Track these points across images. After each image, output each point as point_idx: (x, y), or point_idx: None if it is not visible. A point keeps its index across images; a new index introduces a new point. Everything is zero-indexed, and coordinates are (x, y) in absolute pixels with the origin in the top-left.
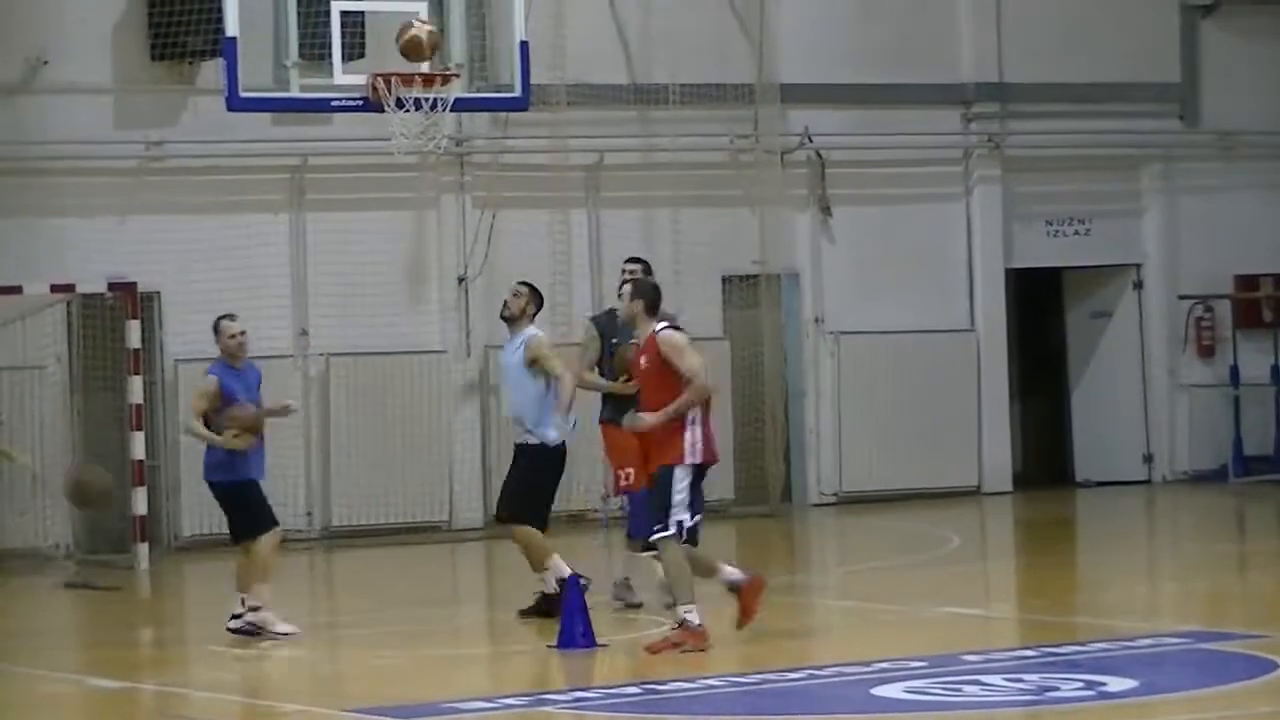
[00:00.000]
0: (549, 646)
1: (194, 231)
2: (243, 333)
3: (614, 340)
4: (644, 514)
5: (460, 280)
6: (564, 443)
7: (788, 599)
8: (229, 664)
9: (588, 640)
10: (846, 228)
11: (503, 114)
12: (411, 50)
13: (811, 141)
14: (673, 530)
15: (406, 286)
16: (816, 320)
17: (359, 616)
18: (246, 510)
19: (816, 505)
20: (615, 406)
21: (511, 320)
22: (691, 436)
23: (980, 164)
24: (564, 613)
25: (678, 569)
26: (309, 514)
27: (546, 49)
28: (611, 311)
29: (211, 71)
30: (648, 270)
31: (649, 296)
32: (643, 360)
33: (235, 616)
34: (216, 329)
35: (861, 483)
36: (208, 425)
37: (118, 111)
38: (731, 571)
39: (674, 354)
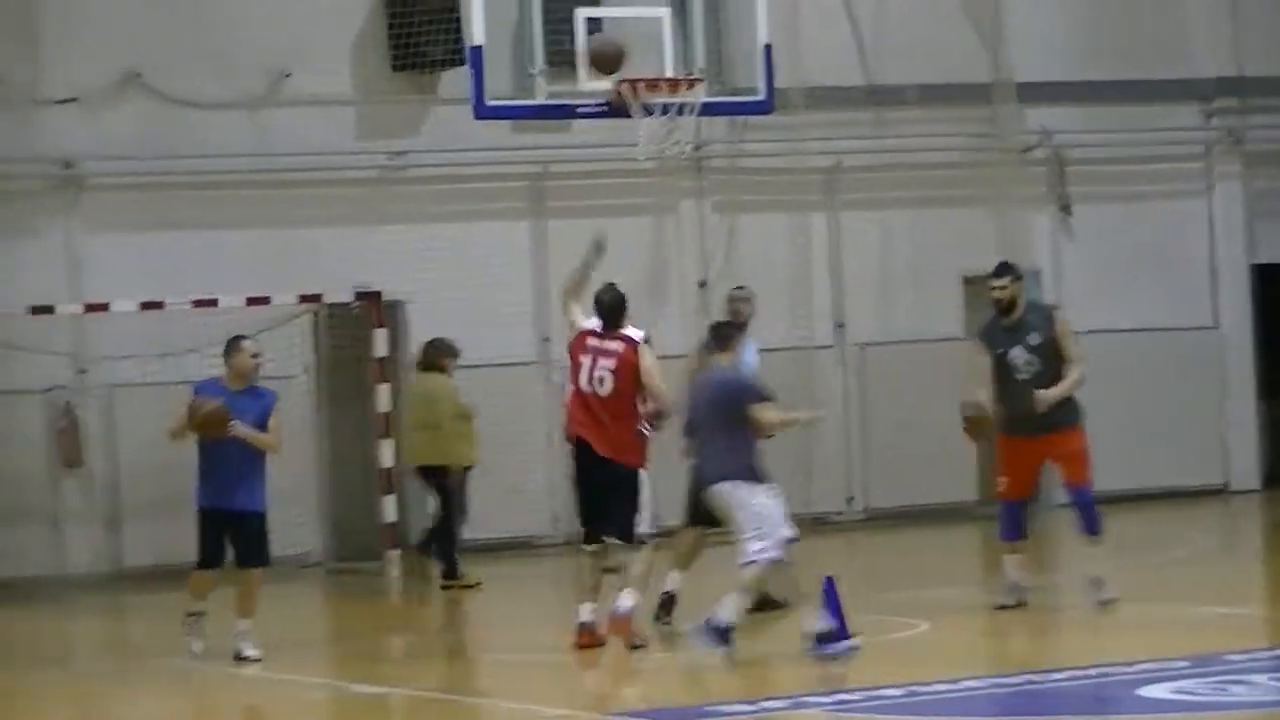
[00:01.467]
0: (807, 647)
1: (437, 240)
2: (259, 355)
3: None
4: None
5: (700, 285)
6: None
7: (1045, 599)
8: (492, 669)
9: (845, 639)
10: (1086, 225)
11: (740, 118)
12: (601, 63)
13: (1050, 140)
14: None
15: (647, 292)
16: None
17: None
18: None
19: (1063, 505)
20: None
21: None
22: None
23: (1221, 159)
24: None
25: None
26: (555, 519)
27: (782, 51)
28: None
29: (452, 81)
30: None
31: None
32: None
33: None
34: (236, 349)
35: (1108, 482)
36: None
37: (359, 122)
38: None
39: None
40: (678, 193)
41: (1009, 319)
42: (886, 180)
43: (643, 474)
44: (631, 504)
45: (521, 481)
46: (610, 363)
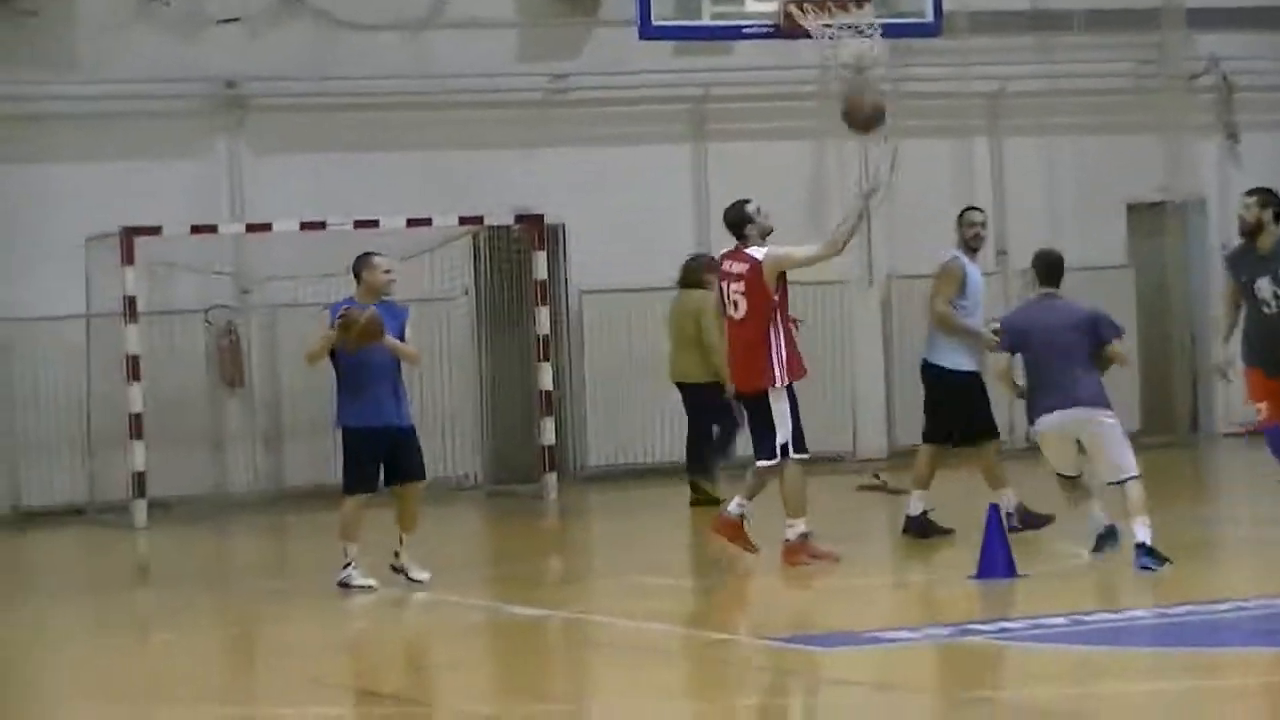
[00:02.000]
0: (969, 577)
1: (597, 163)
2: (391, 270)
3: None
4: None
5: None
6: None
7: (1202, 531)
8: (651, 593)
9: (1009, 570)
10: (1254, 154)
11: (903, 42)
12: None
13: (1218, 66)
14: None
15: (808, 217)
16: (1223, 247)
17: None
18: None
19: (1227, 435)
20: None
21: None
22: None
23: None
24: (985, 542)
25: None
26: None
27: None
28: None
29: (613, 3)
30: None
31: None
32: None
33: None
34: (368, 264)
35: None
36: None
37: (521, 44)
38: None
39: None
40: (839, 116)
41: (1260, 247)
42: (1051, 106)
43: (779, 391)
44: (768, 426)
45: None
46: (740, 285)
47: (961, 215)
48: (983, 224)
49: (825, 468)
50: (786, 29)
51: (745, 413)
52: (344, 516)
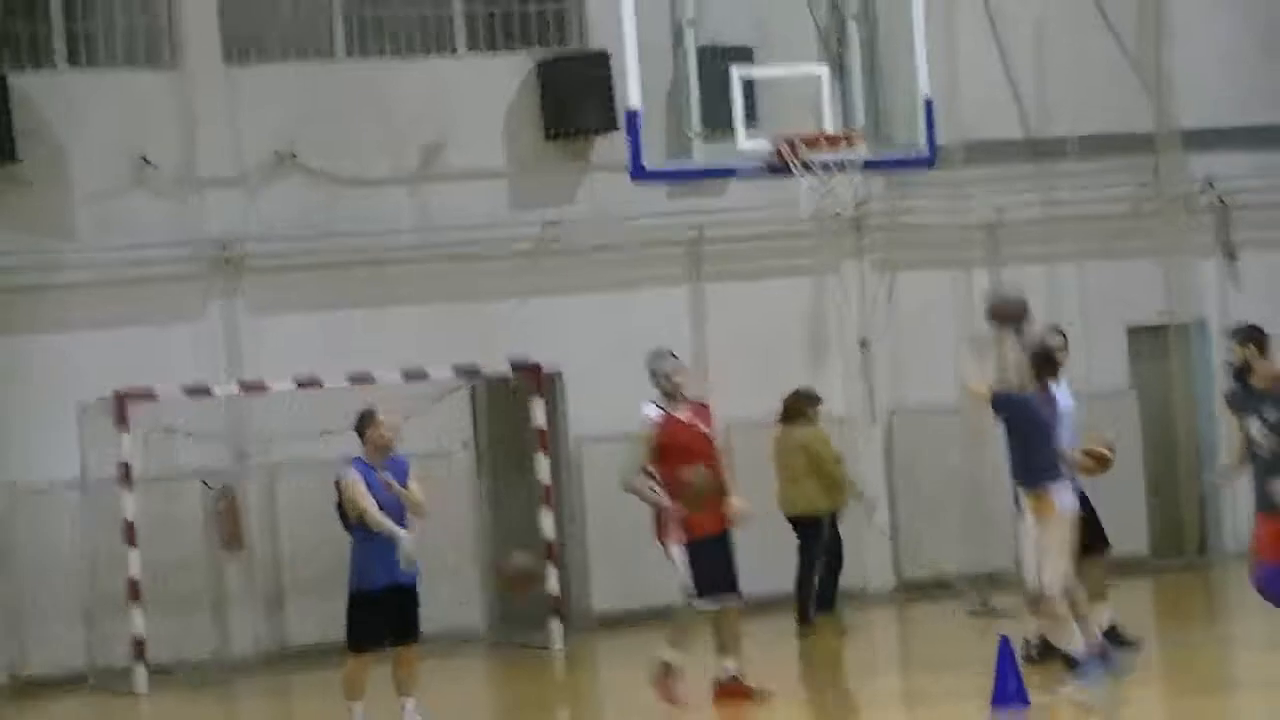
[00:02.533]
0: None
1: (593, 309)
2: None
3: None
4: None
5: (862, 345)
6: None
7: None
8: None
9: (1022, 698)
10: (1255, 274)
11: (898, 175)
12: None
13: (1213, 187)
14: None
15: (808, 353)
16: (1227, 365)
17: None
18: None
19: (1237, 556)
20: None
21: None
22: None
23: None
24: (998, 670)
25: None
26: None
27: (940, 106)
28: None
29: (606, 148)
30: None
31: None
32: None
33: None
34: (372, 421)
35: None
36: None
37: (513, 193)
38: None
39: None
40: (837, 252)
41: (1254, 384)
42: (1050, 234)
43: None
44: None
45: None
46: None
47: None
48: (1062, 347)
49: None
50: (780, 166)
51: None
52: (353, 676)
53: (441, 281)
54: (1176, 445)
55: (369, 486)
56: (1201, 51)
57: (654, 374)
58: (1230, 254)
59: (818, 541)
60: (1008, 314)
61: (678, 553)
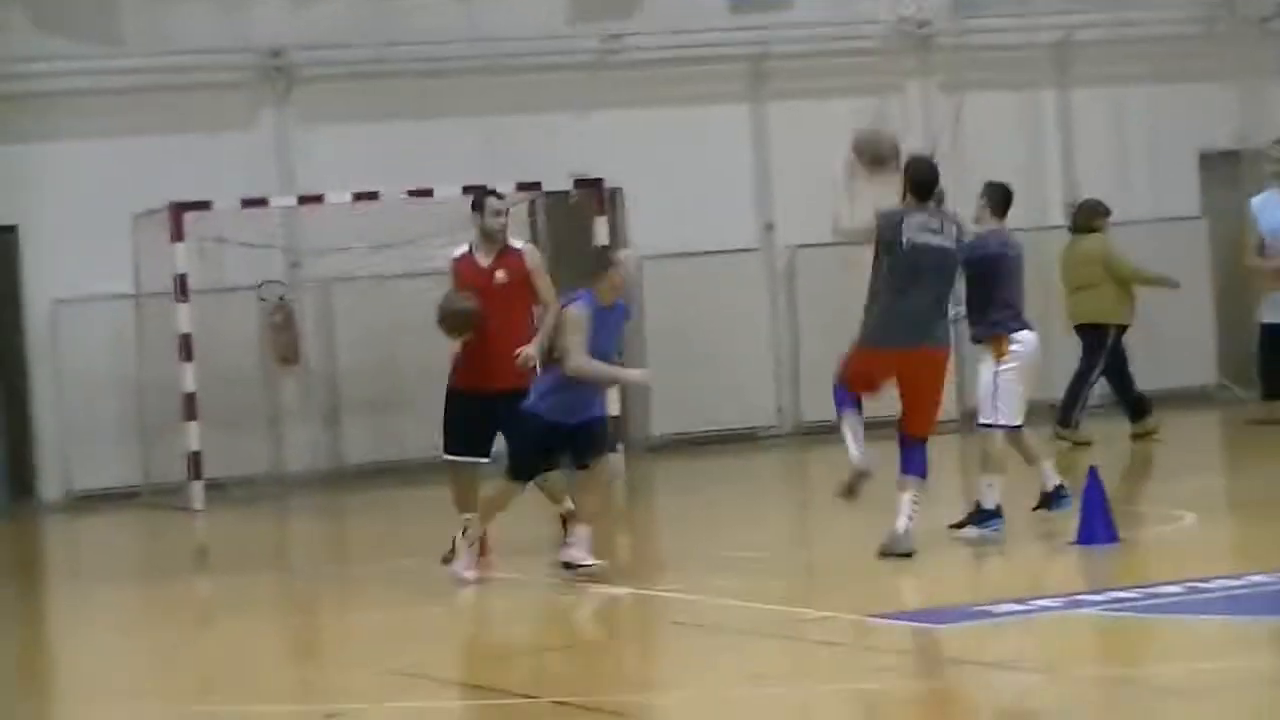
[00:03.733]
0: (1069, 544)
1: (654, 125)
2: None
3: None
4: None
5: None
6: None
7: None
8: (742, 568)
9: (1110, 535)
10: None
11: None
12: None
13: None
14: None
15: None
16: None
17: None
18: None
19: None
20: None
21: None
22: None
23: None
24: (1084, 508)
25: None
26: (779, 410)
27: None
28: None
29: None
30: None
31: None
32: None
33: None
34: (609, 260)
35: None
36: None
37: (573, 4)
38: None
39: None
40: (902, 72)
41: None
42: (1119, 55)
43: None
44: None
45: (745, 372)
46: None
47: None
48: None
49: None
50: None
51: None
52: (497, 499)
53: (498, 94)
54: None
55: (597, 328)
56: None
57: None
58: None
59: (1102, 350)
60: (880, 154)
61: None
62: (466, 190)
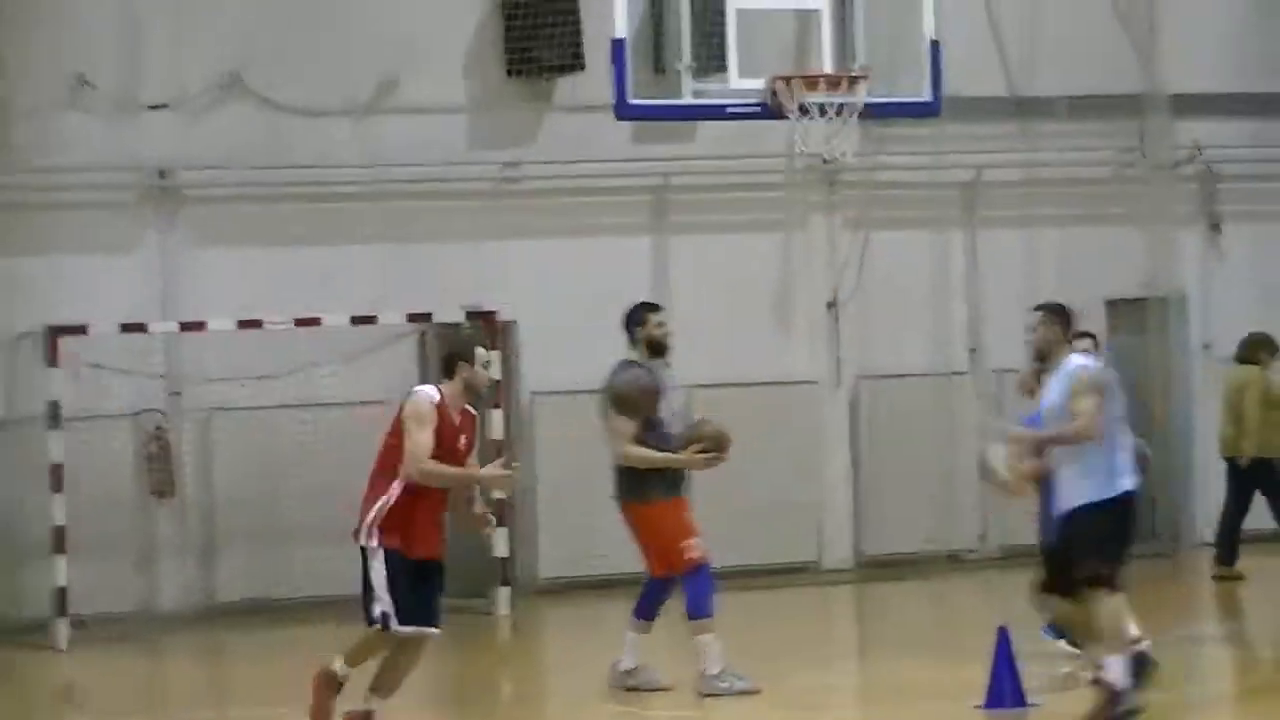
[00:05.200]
0: (975, 707)
1: (551, 256)
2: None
3: None
4: None
5: (830, 305)
6: None
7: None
8: None
9: (1017, 699)
10: (1240, 246)
11: (876, 129)
12: None
13: (1200, 154)
14: None
15: (774, 313)
16: (1205, 346)
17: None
18: None
19: (1203, 545)
20: None
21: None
22: None
23: None
24: (993, 668)
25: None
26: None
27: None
28: None
29: (568, 88)
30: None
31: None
32: None
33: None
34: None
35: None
36: None
37: (472, 131)
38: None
39: None
40: (807, 207)
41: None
42: (1030, 196)
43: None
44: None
45: None
46: None
47: None
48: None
49: (790, 579)
50: (774, 108)
51: None
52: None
53: (393, 221)
54: (1151, 424)
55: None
56: (1194, 12)
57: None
58: (1215, 225)
59: (1245, 486)
60: None
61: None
62: (355, 320)
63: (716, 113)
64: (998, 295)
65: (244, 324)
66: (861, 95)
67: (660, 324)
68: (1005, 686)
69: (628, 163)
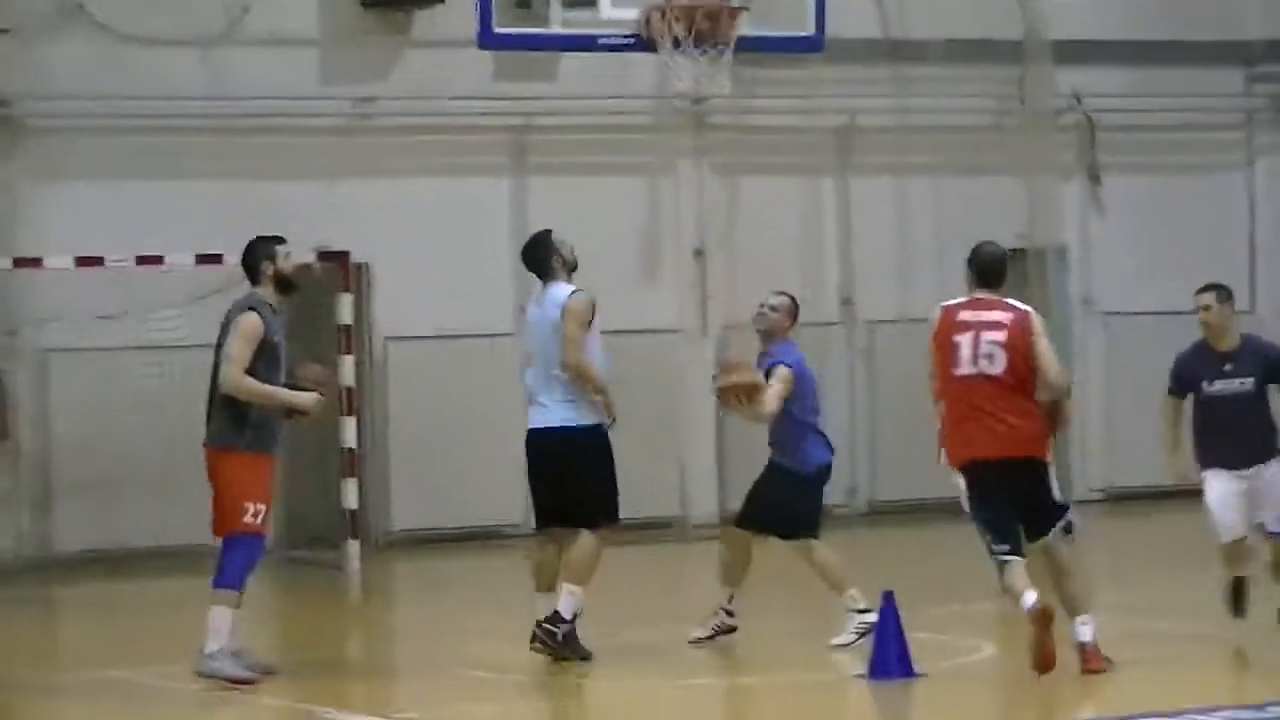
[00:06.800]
0: (857, 676)
1: (407, 197)
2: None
3: None
4: None
5: (697, 253)
6: None
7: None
8: (480, 691)
9: (904, 669)
10: (1119, 198)
11: (748, 72)
12: None
13: (1080, 103)
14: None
15: (639, 260)
16: (1085, 300)
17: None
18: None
19: (1085, 501)
20: None
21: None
22: None
23: (1265, 129)
24: (877, 638)
25: None
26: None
27: None
28: None
29: (426, 22)
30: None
31: None
32: None
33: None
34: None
35: (1132, 477)
36: None
37: (324, 65)
38: None
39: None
40: (674, 151)
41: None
42: (905, 143)
43: None
44: None
45: (493, 467)
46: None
47: None
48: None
49: (655, 534)
50: (647, 40)
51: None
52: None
53: (240, 157)
54: None
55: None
56: None
57: None
58: (1095, 176)
59: None
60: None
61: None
62: (200, 259)
63: (586, 43)
64: (871, 245)
65: (83, 261)
66: (740, 28)
67: (288, 256)
68: (891, 655)
69: (488, 100)
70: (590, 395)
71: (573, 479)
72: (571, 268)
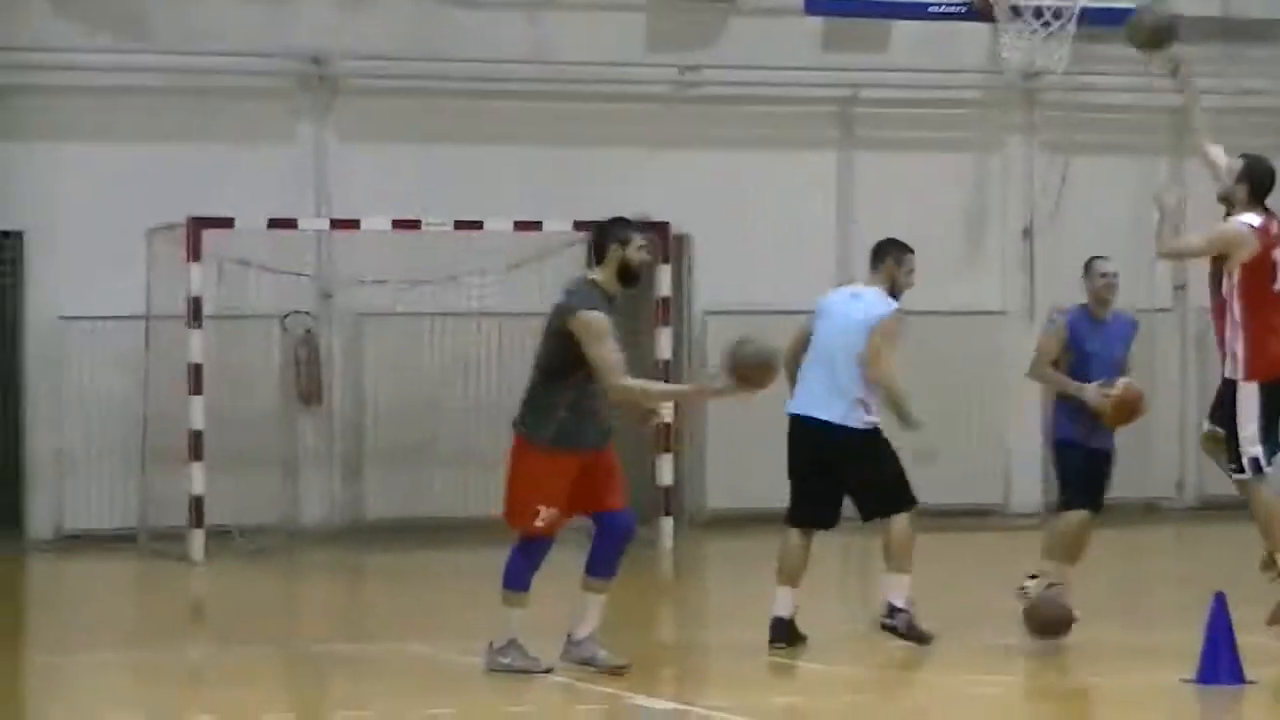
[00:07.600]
0: (1183, 680)
1: (729, 168)
2: (1115, 274)
3: None
4: None
5: (1024, 234)
6: None
7: None
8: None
9: (1234, 676)
10: None
11: (1083, 47)
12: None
13: None
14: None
15: (964, 239)
16: None
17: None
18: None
19: None
20: None
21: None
22: None
23: None
24: (1207, 639)
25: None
26: None
27: None
28: None
29: None
30: None
31: None
32: None
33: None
34: (1087, 269)
35: None
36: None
37: (650, 31)
38: None
39: None
40: (1004, 128)
41: None
42: (1243, 124)
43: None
44: None
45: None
46: None
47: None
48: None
49: (977, 521)
50: (980, 8)
51: None
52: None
53: (560, 123)
54: None
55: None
56: None
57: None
58: None
59: None
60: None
61: None
62: (519, 226)
63: (917, 11)
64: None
65: (400, 224)
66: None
67: (641, 247)
68: (1221, 659)
69: (814, 71)
70: (878, 399)
71: (872, 468)
72: (900, 288)
